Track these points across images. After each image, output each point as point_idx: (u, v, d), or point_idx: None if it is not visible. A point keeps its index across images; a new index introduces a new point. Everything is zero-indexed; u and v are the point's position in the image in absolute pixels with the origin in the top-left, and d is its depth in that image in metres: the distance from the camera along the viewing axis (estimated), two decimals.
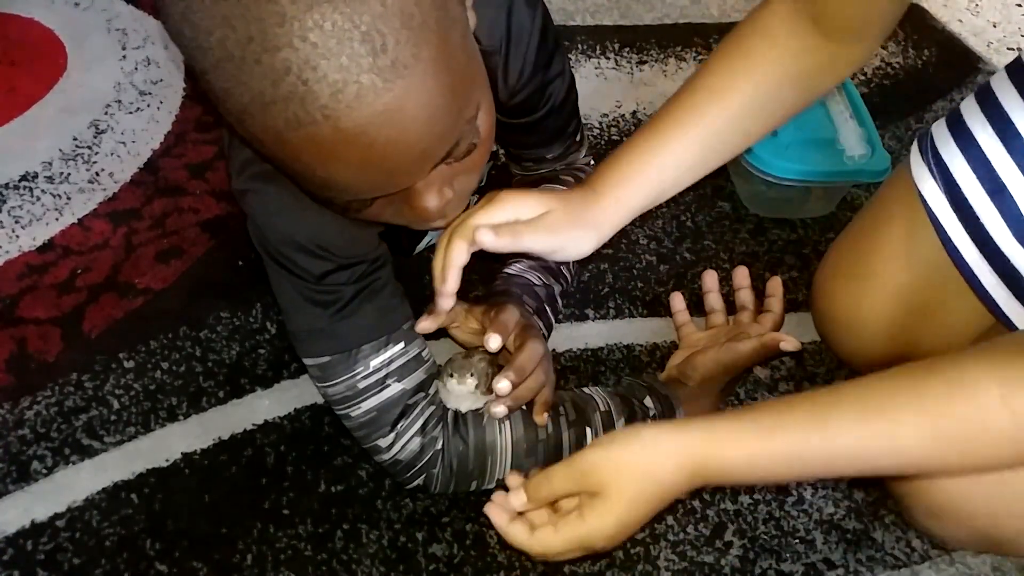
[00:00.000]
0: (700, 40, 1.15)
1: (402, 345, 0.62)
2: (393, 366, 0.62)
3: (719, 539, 0.67)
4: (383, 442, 0.63)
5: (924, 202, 0.62)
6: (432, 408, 0.64)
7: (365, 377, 0.61)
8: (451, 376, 0.64)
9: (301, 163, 0.44)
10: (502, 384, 0.59)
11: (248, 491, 0.69)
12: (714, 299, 0.79)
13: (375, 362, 0.61)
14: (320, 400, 0.75)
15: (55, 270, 0.85)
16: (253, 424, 0.73)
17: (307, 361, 0.63)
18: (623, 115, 1.03)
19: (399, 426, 0.62)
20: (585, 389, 0.70)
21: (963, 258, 0.60)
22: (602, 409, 0.67)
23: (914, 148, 0.65)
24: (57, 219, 0.90)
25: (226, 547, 0.66)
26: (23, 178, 0.95)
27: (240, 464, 0.71)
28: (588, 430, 0.66)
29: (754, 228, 0.91)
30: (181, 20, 0.41)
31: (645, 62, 1.11)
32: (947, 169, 0.61)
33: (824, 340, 0.76)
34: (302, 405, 0.75)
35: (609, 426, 0.66)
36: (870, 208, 0.72)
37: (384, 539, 0.66)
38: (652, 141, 0.60)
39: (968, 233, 0.60)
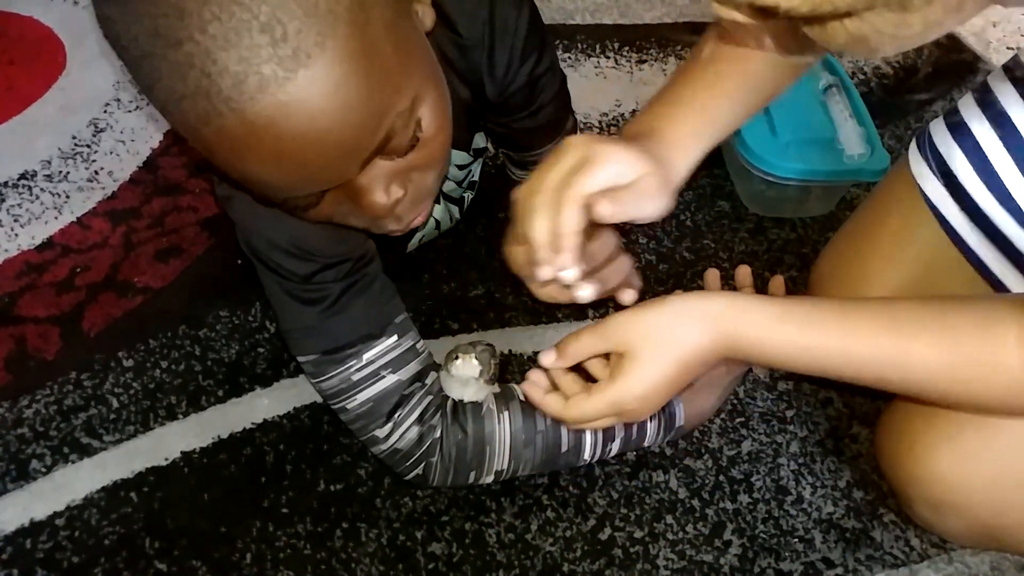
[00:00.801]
0: (700, 39, 1.15)
1: (395, 338, 0.63)
2: (387, 358, 0.62)
3: (718, 538, 0.67)
4: (380, 432, 0.63)
5: (923, 193, 0.63)
6: (430, 398, 0.64)
7: (359, 370, 0.62)
8: (455, 359, 0.64)
9: (219, 159, 0.44)
10: (567, 271, 0.50)
11: (247, 490, 0.69)
12: None
13: (368, 355, 0.62)
14: (319, 399, 0.75)
15: (54, 269, 0.85)
16: (252, 423, 0.73)
17: (300, 358, 0.63)
18: (623, 114, 1.03)
19: (396, 416, 0.63)
20: None
21: (971, 248, 0.61)
22: None
23: (912, 146, 0.66)
24: (56, 218, 0.90)
25: (225, 546, 0.66)
26: (22, 177, 0.95)
27: (239, 463, 0.71)
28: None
29: (753, 227, 0.91)
30: (105, 22, 0.41)
31: (645, 61, 1.11)
32: (943, 160, 0.61)
33: None
34: (301, 404, 0.75)
35: None
36: (866, 208, 0.72)
37: (383, 538, 0.66)
38: (699, 97, 0.57)
39: (971, 220, 0.60)
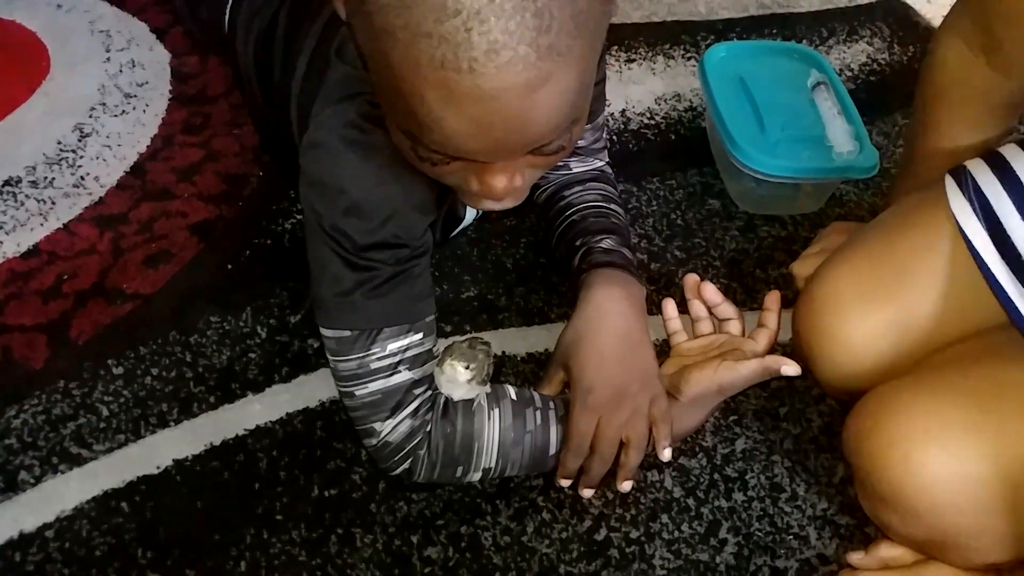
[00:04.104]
0: (688, 38, 1.15)
1: (421, 336, 0.63)
2: (408, 354, 0.62)
3: (714, 537, 0.67)
4: (379, 426, 0.63)
5: (965, 237, 0.60)
6: (428, 394, 0.64)
7: (379, 359, 0.61)
8: (449, 362, 0.64)
9: (419, 98, 0.44)
10: (625, 485, 0.66)
11: (241, 497, 0.69)
12: (699, 306, 0.73)
13: (392, 346, 0.61)
14: (312, 404, 0.74)
15: (41, 276, 0.84)
16: (245, 429, 0.73)
17: (326, 332, 0.62)
18: (612, 113, 1.03)
19: (397, 412, 0.63)
20: None
21: (1009, 297, 0.58)
22: None
23: (949, 181, 0.63)
24: (42, 224, 0.89)
25: (219, 554, 0.65)
26: (7, 183, 0.94)
27: (232, 470, 0.70)
28: None
29: (744, 225, 0.91)
30: None
31: (633, 60, 1.11)
32: (990, 205, 0.59)
33: (811, 359, 0.69)
34: (294, 409, 0.74)
35: None
36: (893, 229, 0.67)
37: (379, 543, 0.66)
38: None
39: (1013, 272, 0.58)
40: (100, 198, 0.92)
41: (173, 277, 0.84)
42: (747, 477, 0.71)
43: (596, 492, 0.68)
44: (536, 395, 0.67)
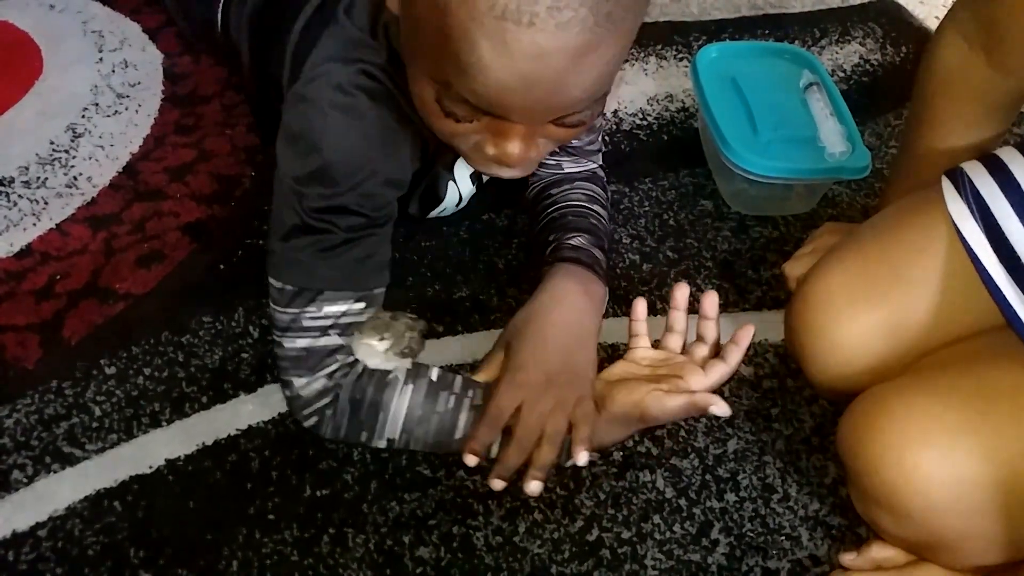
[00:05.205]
0: (680, 38, 1.16)
1: (363, 306, 0.63)
2: (342, 320, 0.63)
3: (705, 537, 0.67)
4: (296, 380, 0.65)
5: (962, 239, 0.60)
6: (349, 359, 0.65)
7: (313, 318, 0.62)
8: (368, 332, 0.65)
9: (470, 44, 0.45)
10: (533, 485, 0.62)
11: (233, 497, 0.69)
12: (679, 320, 0.69)
13: (329, 310, 0.62)
14: None
15: (33, 276, 0.84)
16: (237, 429, 0.73)
17: (272, 282, 0.63)
18: (604, 114, 1.03)
19: (315, 371, 0.64)
20: None
21: (1007, 300, 0.59)
22: None
23: (945, 183, 0.62)
24: (35, 224, 0.89)
25: (211, 554, 0.65)
26: None
27: (224, 470, 0.70)
28: None
29: (736, 226, 0.91)
30: None
31: (626, 60, 1.11)
32: (987, 208, 0.59)
33: (803, 360, 0.69)
34: (286, 409, 0.74)
35: None
36: (887, 231, 0.67)
37: (371, 543, 0.66)
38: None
39: (1011, 275, 0.59)
40: (93, 198, 0.92)
41: (165, 277, 0.84)
42: (739, 478, 0.71)
43: (584, 492, 0.69)
44: (459, 381, 0.67)
